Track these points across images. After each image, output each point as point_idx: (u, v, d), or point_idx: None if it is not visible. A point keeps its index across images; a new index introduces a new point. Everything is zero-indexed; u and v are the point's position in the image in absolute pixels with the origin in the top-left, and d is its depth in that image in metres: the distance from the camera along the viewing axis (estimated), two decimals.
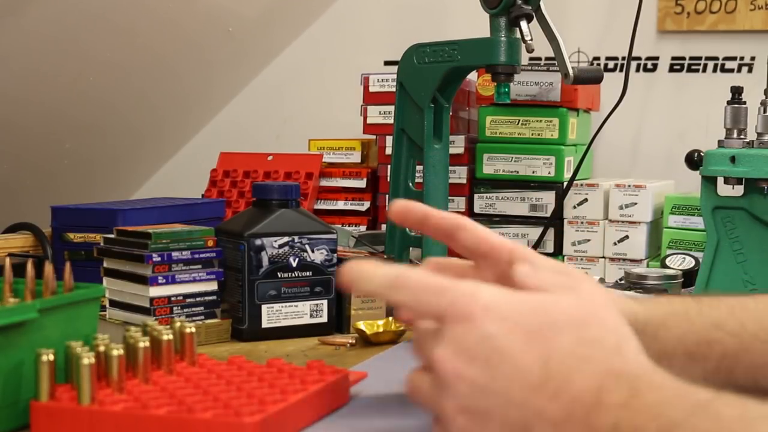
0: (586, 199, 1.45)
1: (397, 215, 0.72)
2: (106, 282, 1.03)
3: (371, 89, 1.55)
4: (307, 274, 1.06)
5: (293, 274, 1.05)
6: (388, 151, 1.40)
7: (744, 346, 0.73)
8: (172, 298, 1.00)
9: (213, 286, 1.03)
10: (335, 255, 1.07)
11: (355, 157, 1.59)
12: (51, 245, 1.18)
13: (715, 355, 0.73)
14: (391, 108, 1.34)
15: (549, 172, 1.45)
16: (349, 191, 1.56)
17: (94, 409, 0.68)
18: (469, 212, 1.49)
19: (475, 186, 1.49)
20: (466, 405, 0.56)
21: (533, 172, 1.46)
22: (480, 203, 1.49)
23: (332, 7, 1.91)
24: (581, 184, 1.46)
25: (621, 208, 1.44)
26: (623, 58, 1.66)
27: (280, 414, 0.69)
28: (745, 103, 1.26)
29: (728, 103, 1.26)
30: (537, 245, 1.44)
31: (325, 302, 1.07)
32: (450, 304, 0.58)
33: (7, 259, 0.92)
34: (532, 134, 1.47)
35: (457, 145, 1.48)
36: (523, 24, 1.14)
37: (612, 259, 1.44)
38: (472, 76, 1.44)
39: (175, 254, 1.00)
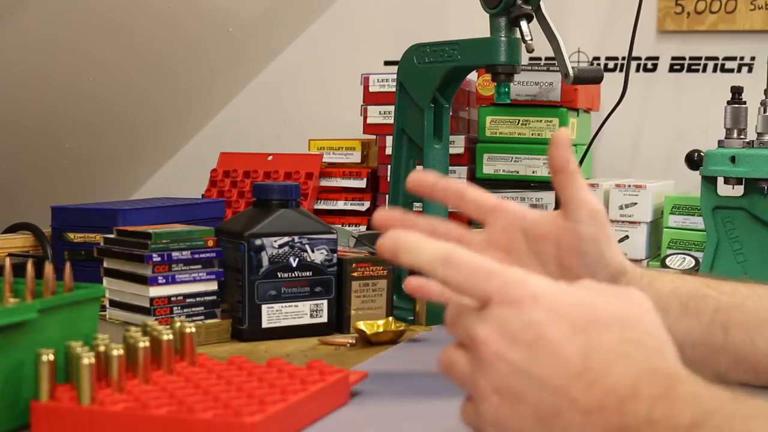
0: None
1: (412, 183, 0.81)
2: (106, 282, 1.03)
3: (371, 89, 1.54)
4: (307, 274, 1.06)
5: (293, 274, 1.05)
6: (388, 151, 1.40)
7: (736, 303, 0.79)
8: (172, 298, 1.00)
9: (213, 286, 1.03)
10: (335, 255, 1.07)
11: (355, 157, 1.59)
12: (51, 245, 1.18)
13: (709, 308, 0.79)
14: (391, 108, 1.33)
15: (549, 172, 1.45)
16: (349, 191, 1.56)
17: (94, 409, 0.68)
18: None
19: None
20: (503, 385, 0.57)
21: (533, 172, 1.46)
22: None
23: (332, 7, 1.91)
24: None
25: (621, 208, 1.44)
26: (623, 58, 1.66)
27: (280, 414, 0.69)
28: (745, 103, 1.26)
29: (728, 103, 1.26)
30: None
31: (325, 302, 1.07)
32: (500, 287, 0.58)
33: (7, 259, 0.92)
34: (532, 134, 1.46)
35: (457, 145, 1.48)
36: (523, 24, 1.14)
37: None
38: (472, 76, 1.44)
39: (175, 254, 1.00)
